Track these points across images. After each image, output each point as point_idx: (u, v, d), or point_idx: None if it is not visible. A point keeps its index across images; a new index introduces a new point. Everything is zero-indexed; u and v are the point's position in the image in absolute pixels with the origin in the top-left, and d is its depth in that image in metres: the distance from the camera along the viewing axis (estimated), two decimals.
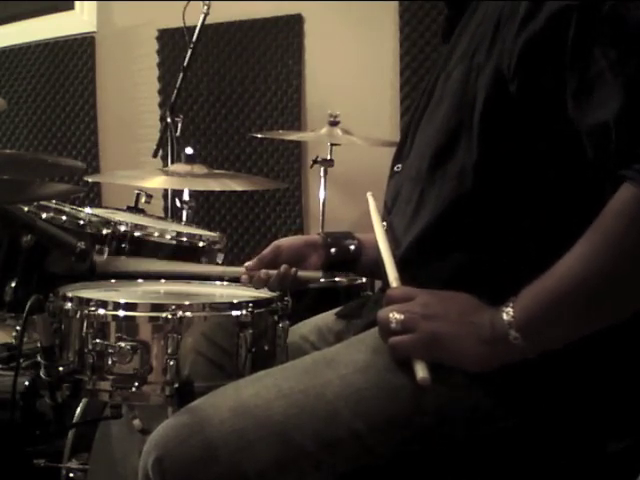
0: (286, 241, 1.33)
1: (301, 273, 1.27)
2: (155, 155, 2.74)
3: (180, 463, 0.96)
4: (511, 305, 0.91)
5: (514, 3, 0.95)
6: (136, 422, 1.26)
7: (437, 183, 1.03)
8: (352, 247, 1.31)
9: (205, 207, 3.22)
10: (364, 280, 2.11)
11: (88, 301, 1.13)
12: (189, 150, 2.26)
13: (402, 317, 0.95)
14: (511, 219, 0.98)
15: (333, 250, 1.30)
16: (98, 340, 1.10)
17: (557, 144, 0.95)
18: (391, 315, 0.95)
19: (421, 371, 0.92)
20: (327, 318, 1.34)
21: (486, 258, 0.99)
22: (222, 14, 2.95)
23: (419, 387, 0.92)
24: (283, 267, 1.24)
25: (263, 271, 1.26)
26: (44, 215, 1.58)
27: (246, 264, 1.29)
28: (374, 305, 1.15)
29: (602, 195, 0.88)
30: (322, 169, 2.60)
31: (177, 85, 2.66)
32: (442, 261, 1.02)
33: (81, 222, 1.61)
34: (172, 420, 1.02)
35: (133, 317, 1.11)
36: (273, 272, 1.25)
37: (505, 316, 0.91)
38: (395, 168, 1.19)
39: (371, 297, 1.28)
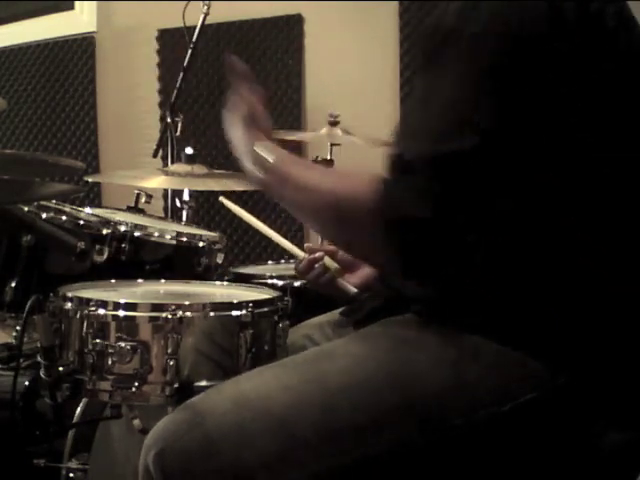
0: None
1: (340, 281, 1.36)
2: (155, 155, 2.74)
3: (181, 456, 0.95)
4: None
5: None
6: (136, 422, 1.26)
7: None
8: None
9: (205, 207, 3.22)
10: None
11: (88, 301, 1.13)
12: (189, 150, 2.26)
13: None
14: (502, 224, 0.98)
15: None
16: (98, 340, 1.10)
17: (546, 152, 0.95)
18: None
19: None
20: (329, 317, 1.34)
21: (478, 261, 0.99)
22: (222, 14, 2.95)
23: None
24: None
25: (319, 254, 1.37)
26: (44, 215, 1.58)
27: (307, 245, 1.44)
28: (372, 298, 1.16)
29: (591, 199, 0.89)
30: None
31: (177, 85, 2.66)
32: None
33: (81, 222, 1.61)
34: (172, 415, 1.01)
35: (133, 317, 1.11)
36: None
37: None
38: None
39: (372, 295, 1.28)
